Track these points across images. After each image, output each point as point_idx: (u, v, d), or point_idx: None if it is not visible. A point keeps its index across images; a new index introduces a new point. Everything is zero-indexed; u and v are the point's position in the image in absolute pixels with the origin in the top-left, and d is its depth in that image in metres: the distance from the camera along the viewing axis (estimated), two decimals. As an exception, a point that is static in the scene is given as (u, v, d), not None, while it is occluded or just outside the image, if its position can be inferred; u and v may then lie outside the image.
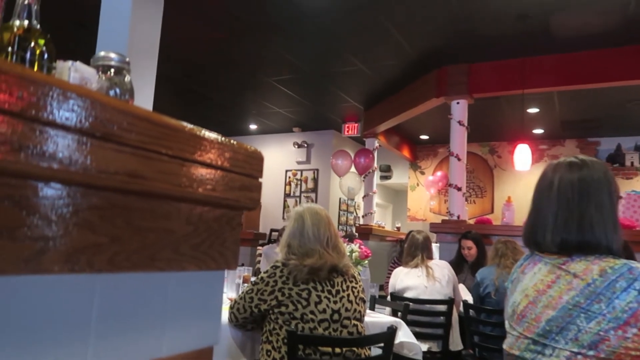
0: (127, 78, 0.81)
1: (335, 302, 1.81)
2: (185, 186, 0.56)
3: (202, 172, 0.58)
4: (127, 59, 0.80)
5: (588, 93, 5.38)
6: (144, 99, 3.24)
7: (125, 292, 0.54)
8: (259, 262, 4.59)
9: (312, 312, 1.76)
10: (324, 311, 1.77)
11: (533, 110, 6.39)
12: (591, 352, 1.07)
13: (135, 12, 3.23)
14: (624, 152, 7.43)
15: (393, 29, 4.49)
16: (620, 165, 7.40)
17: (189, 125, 0.57)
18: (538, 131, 7.47)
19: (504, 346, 1.30)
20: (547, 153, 7.84)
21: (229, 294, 2.51)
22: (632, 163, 7.36)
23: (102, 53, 0.79)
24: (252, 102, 6.84)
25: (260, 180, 0.69)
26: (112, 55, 0.79)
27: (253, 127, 8.10)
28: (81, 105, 0.45)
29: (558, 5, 3.97)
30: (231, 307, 1.92)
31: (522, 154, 4.58)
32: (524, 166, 4.55)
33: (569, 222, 1.19)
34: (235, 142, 0.66)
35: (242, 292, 1.90)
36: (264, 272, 1.87)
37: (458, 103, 5.21)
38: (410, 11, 4.20)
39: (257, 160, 0.69)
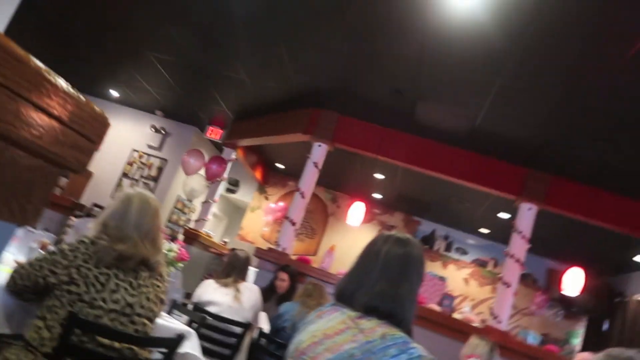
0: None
1: (132, 296, 1.72)
2: (7, 122, 0.51)
3: (33, 114, 0.53)
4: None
5: (426, 178, 6.08)
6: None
7: None
8: (64, 232, 4.16)
9: (103, 299, 1.65)
10: (117, 301, 1.67)
11: (379, 176, 7.00)
12: None
13: None
14: (435, 237, 8.50)
15: (286, 57, 4.62)
16: (430, 247, 8.44)
17: (38, 63, 0.53)
18: (377, 195, 8.18)
19: None
20: (377, 217, 8.60)
21: (18, 257, 2.22)
22: (439, 249, 8.44)
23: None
24: (122, 69, 6.35)
25: (95, 144, 0.65)
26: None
27: (114, 93, 7.48)
28: None
29: (427, 94, 4.50)
30: (15, 271, 1.71)
31: (357, 210, 4.95)
32: (355, 222, 4.91)
33: (385, 293, 1.31)
34: (83, 98, 0.62)
35: (34, 259, 1.70)
36: (67, 244, 1.71)
37: (320, 146, 5.47)
38: (306, 49, 4.37)
39: (100, 125, 0.66)
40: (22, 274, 1.68)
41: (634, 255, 6.45)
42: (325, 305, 1.46)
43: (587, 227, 4.98)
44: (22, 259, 2.21)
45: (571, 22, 3.00)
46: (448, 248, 8.47)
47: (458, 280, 8.24)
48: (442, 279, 5.34)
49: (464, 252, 8.45)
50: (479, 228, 7.95)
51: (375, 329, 1.27)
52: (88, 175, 7.47)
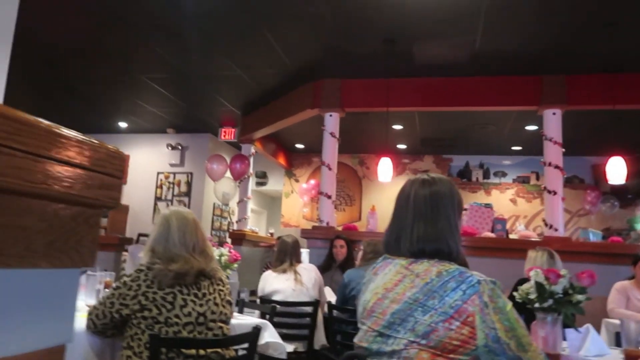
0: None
1: (201, 305, 1.82)
2: (39, 183, 0.56)
3: (59, 169, 0.59)
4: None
5: (443, 115, 6.02)
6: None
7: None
8: (122, 268, 4.35)
9: (176, 316, 1.75)
10: (189, 314, 1.78)
11: (397, 126, 6.96)
12: (424, 341, 1.24)
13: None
14: (470, 169, 8.43)
15: (272, 40, 4.60)
16: (468, 180, 8.38)
17: (46, 122, 0.58)
18: (401, 146, 8.13)
19: (355, 340, 1.43)
20: (408, 167, 8.57)
21: (88, 301, 2.36)
22: (477, 179, 8.37)
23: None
24: (122, 99, 6.47)
25: (120, 179, 0.70)
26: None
27: (123, 125, 7.64)
28: None
29: (419, 34, 4.41)
30: (89, 314, 1.83)
31: (385, 166, 4.97)
32: (386, 178, 4.93)
33: (425, 234, 1.36)
34: (96, 141, 0.67)
35: (102, 297, 1.82)
36: (127, 276, 1.81)
37: (331, 115, 5.48)
38: (289, 25, 4.34)
39: (118, 160, 0.71)
40: (97, 314, 1.79)
41: (675, 126, 6.24)
42: (377, 261, 1.51)
43: (617, 114, 4.84)
44: (93, 301, 2.35)
45: None
46: (486, 175, 8.39)
47: (505, 203, 8.18)
48: (487, 205, 5.32)
49: (503, 174, 8.35)
50: (511, 147, 7.82)
51: (429, 269, 1.32)
52: (125, 209, 7.71)
